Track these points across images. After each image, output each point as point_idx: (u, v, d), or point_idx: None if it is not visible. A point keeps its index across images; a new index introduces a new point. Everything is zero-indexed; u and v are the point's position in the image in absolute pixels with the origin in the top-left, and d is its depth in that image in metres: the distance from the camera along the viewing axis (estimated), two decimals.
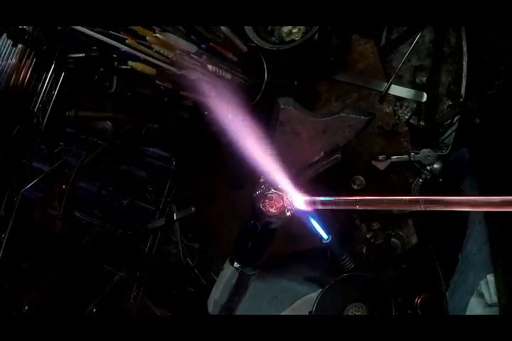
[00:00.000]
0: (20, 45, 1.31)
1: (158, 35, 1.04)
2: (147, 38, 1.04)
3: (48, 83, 1.36)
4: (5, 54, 1.34)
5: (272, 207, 0.85)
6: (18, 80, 1.35)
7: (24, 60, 1.35)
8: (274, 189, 0.85)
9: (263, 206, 0.85)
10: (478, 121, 1.33)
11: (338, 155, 1.15)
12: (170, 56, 1.08)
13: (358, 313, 1.05)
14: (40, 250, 1.55)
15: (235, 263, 1.19)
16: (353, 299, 1.08)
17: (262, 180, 0.87)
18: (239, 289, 1.24)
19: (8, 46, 1.33)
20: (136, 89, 1.42)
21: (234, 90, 1.13)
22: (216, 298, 1.26)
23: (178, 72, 1.10)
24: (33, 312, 1.46)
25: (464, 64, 1.37)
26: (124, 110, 1.50)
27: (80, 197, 1.77)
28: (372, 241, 1.24)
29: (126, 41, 1.05)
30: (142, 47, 1.06)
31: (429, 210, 0.62)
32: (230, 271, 1.22)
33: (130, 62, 1.07)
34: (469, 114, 1.33)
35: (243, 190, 1.42)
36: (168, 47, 1.07)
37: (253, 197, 0.87)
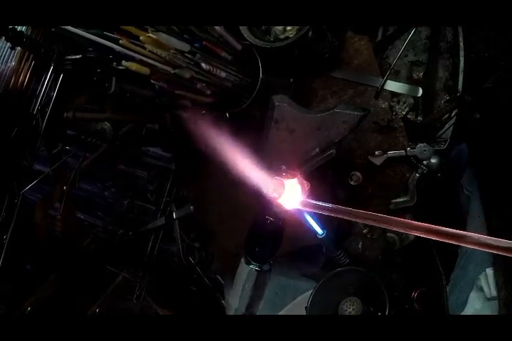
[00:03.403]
0: (19, 48, 1.33)
1: (151, 34, 1.05)
2: (140, 37, 1.05)
3: (46, 85, 1.38)
4: (4, 57, 1.35)
5: (275, 193, 0.85)
6: (18, 83, 1.36)
7: (23, 62, 1.37)
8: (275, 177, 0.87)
9: (267, 193, 0.86)
10: (477, 115, 1.33)
11: (332, 151, 1.15)
12: (163, 55, 1.08)
13: (353, 307, 1.04)
14: (43, 251, 1.56)
15: (251, 263, 1.19)
16: (347, 293, 1.08)
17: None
18: (258, 290, 1.25)
19: (7, 49, 1.35)
20: (135, 89, 1.43)
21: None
22: (236, 307, 1.27)
23: (172, 71, 1.11)
24: (36, 313, 1.48)
25: (461, 59, 1.36)
26: (123, 111, 1.51)
27: (83, 198, 1.79)
28: (368, 236, 1.23)
29: (120, 41, 1.06)
30: (136, 47, 1.07)
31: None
32: (246, 273, 1.23)
33: (124, 62, 1.07)
34: (467, 109, 1.33)
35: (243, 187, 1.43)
36: (162, 46, 1.08)
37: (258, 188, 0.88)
